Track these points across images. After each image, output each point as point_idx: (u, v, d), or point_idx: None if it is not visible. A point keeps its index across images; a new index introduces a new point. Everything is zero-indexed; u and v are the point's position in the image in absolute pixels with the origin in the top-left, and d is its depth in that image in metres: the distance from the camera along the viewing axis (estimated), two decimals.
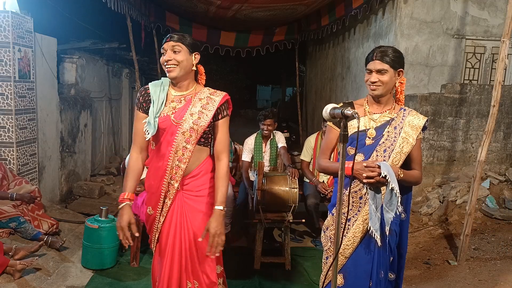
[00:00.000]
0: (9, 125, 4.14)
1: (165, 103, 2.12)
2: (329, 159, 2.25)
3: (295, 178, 3.86)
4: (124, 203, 2.10)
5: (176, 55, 2.07)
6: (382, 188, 2.03)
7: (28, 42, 4.34)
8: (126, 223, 2.08)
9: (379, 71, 2.03)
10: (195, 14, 6.88)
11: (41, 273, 3.27)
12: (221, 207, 2.10)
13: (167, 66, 2.08)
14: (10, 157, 4.16)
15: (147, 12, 6.64)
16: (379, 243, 2.03)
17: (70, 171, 5.58)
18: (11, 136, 4.15)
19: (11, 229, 3.62)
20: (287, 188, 3.75)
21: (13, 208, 3.65)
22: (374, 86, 2.05)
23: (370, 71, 2.06)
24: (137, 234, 2.12)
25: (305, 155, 4.51)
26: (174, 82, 2.15)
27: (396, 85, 2.10)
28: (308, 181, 4.43)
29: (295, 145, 9.12)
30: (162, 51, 2.11)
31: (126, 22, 5.68)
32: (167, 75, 2.11)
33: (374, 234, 2.01)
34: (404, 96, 2.19)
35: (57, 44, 5.12)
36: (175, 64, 2.07)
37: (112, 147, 7.69)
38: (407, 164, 2.12)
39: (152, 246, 2.25)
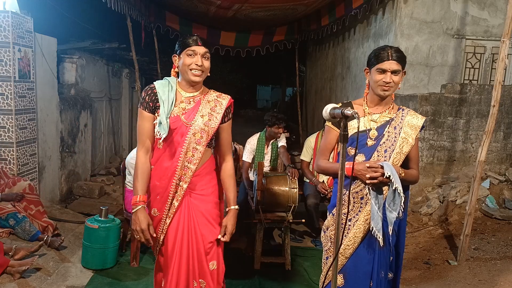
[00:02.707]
0: (9, 125, 4.14)
1: (174, 103, 2.10)
2: (328, 160, 2.24)
3: (295, 178, 3.85)
4: (139, 206, 2.08)
5: (206, 61, 2.08)
6: (384, 188, 2.03)
7: (28, 42, 4.34)
8: (146, 225, 2.07)
9: (394, 72, 2.00)
10: (195, 14, 6.88)
11: (41, 273, 3.27)
12: (236, 206, 2.22)
13: (194, 71, 2.06)
14: (10, 157, 4.16)
15: (147, 12, 6.65)
16: (381, 243, 2.02)
17: (70, 171, 5.58)
18: (11, 136, 4.15)
19: (11, 227, 3.61)
20: (287, 188, 3.75)
21: (12, 206, 3.64)
22: (387, 87, 2.01)
23: (383, 71, 2.01)
24: (155, 235, 2.13)
25: (305, 155, 4.51)
26: (192, 85, 2.13)
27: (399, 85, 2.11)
28: (308, 181, 4.43)
29: (295, 145, 9.11)
30: (188, 51, 2.05)
31: (126, 22, 5.68)
32: (191, 78, 2.07)
33: (377, 234, 2.01)
34: (394, 94, 2.19)
35: (57, 44, 5.11)
36: (203, 71, 2.08)
37: (112, 147, 7.69)
38: (405, 163, 2.12)
39: (155, 249, 2.21)
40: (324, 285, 2.11)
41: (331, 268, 1.78)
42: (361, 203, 2.08)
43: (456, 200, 4.54)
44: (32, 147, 4.51)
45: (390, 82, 2.00)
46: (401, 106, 2.18)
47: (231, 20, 6.91)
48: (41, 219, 3.85)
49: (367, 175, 1.96)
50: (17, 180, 3.95)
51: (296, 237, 4.54)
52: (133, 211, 2.09)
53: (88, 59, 6.40)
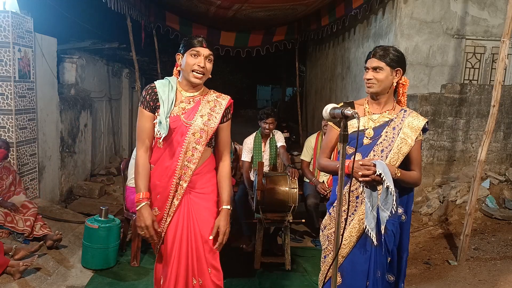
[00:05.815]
0: (9, 125, 4.14)
1: (174, 103, 2.12)
2: (330, 158, 2.25)
3: (295, 178, 3.85)
4: (143, 203, 2.08)
5: (209, 63, 2.10)
6: (378, 187, 2.03)
7: (28, 42, 4.34)
8: (151, 221, 2.07)
9: (375, 69, 2.05)
10: (195, 14, 6.88)
11: (41, 273, 3.27)
12: (228, 206, 2.18)
13: (195, 72, 2.06)
14: (10, 157, 4.15)
15: (147, 12, 6.65)
16: (375, 242, 2.03)
17: (70, 171, 5.58)
18: (11, 136, 4.15)
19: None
20: (287, 188, 3.75)
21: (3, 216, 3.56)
22: (369, 83, 2.08)
23: (367, 69, 2.09)
24: (160, 230, 2.13)
25: (305, 155, 4.51)
26: (193, 86, 2.14)
27: (394, 85, 2.09)
28: (308, 181, 4.43)
29: (295, 145, 9.11)
30: (192, 52, 2.05)
31: (126, 22, 5.68)
32: (192, 79, 2.08)
33: (370, 233, 2.02)
34: (406, 98, 2.20)
35: (57, 44, 5.12)
36: (204, 73, 2.09)
37: (112, 147, 7.69)
38: (406, 165, 2.12)
39: (156, 247, 2.22)
40: (324, 283, 2.11)
41: (330, 267, 1.78)
42: (357, 202, 2.09)
43: (456, 200, 4.54)
44: (32, 147, 4.51)
45: (370, 79, 2.06)
46: (403, 107, 2.18)
47: (231, 20, 6.91)
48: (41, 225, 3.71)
49: (360, 173, 1.98)
50: (22, 193, 3.85)
51: (296, 237, 4.54)
52: (137, 208, 2.09)
53: (88, 59, 6.40)
